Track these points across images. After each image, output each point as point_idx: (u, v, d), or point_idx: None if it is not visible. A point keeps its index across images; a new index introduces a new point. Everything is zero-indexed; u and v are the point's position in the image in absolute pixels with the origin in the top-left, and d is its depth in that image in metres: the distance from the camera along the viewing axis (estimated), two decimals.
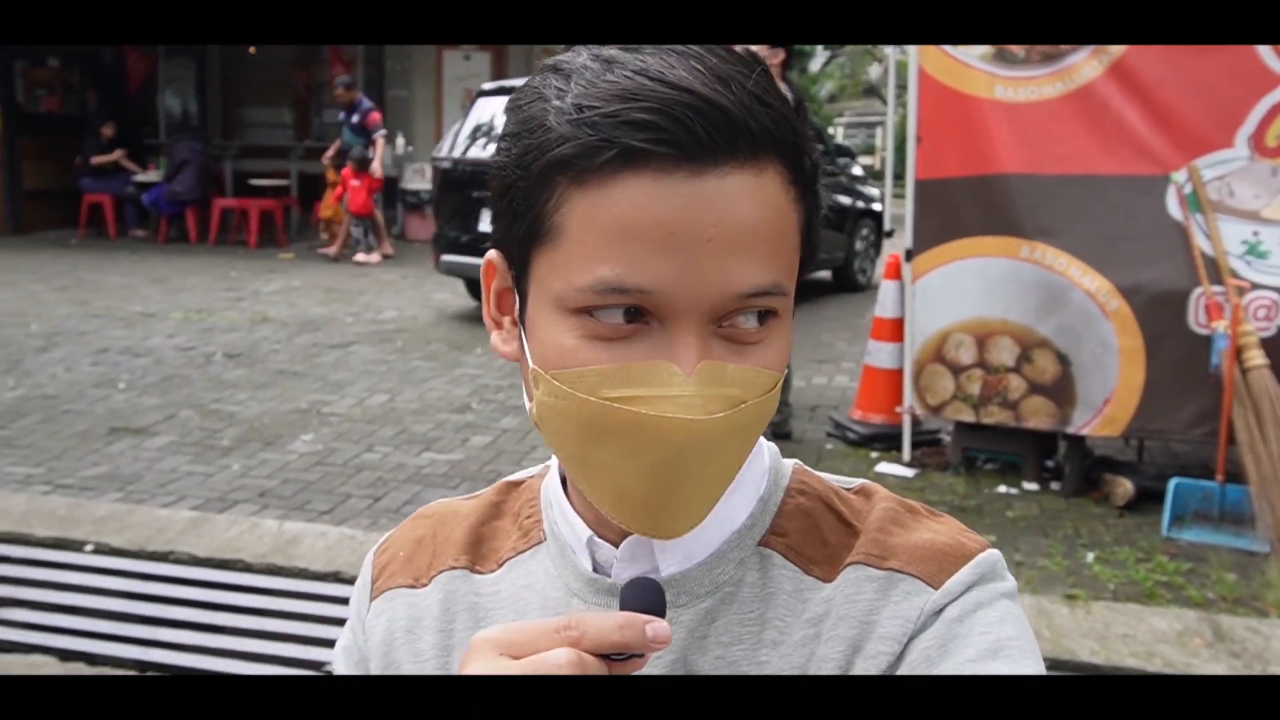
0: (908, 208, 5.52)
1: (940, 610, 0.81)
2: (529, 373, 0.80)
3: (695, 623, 0.85)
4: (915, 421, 5.72)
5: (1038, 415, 5.25)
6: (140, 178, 14.22)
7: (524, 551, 0.93)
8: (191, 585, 4.17)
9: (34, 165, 14.18)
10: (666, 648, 0.72)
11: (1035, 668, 0.79)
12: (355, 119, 12.78)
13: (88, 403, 6.47)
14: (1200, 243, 4.97)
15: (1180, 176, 5.02)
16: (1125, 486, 5.09)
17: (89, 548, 4.47)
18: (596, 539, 0.87)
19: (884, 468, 5.59)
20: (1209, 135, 5.02)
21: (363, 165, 12.53)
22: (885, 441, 5.90)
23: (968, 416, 5.42)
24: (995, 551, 0.85)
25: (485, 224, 7.88)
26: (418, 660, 0.91)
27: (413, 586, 0.95)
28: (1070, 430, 5.21)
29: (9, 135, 13.93)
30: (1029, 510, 5.03)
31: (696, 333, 0.75)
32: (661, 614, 0.72)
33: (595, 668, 0.67)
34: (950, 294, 5.38)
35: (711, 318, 0.75)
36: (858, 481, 0.93)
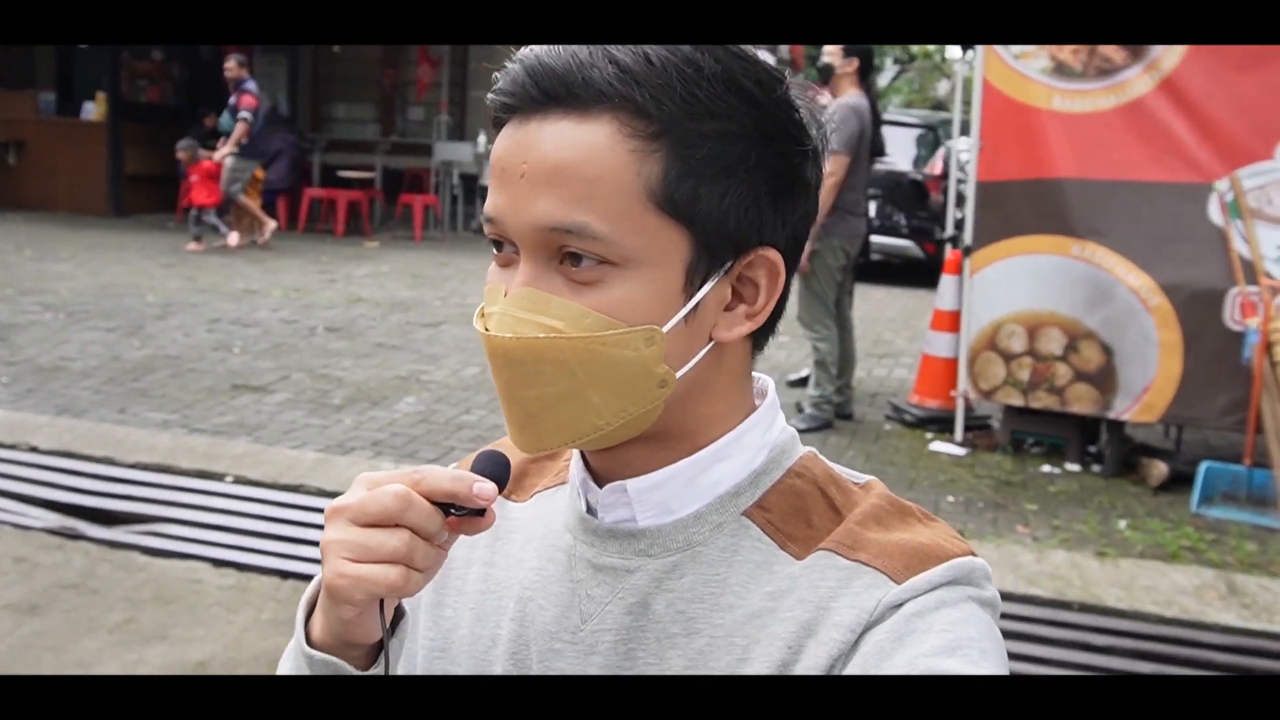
0: (968, 208, 6.00)
1: (900, 605, 0.81)
2: None
3: (662, 573, 0.89)
4: (968, 406, 6.19)
5: (1082, 401, 5.70)
6: None
7: (551, 488, 1.01)
8: (320, 513, 4.72)
9: (135, 151, 14.94)
10: (490, 524, 0.82)
11: (995, 671, 0.78)
12: (232, 100, 12.43)
13: (209, 363, 7.10)
14: (1238, 246, 5.41)
15: (1222, 185, 5.46)
16: (1160, 468, 5.53)
17: (229, 479, 5.08)
18: (589, 481, 0.93)
19: (937, 446, 6.06)
20: (1250, 147, 5.46)
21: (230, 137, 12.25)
22: (939, 424, 6.37)
23: (1017, 401, 5.88)
24: (978, 560, 0.85)
25: None
26: (446, 566, 0.91)
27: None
28: (1111, 415, 5.66)
29: (113, 123, 14.70)
30: (1070, 487, 5.49)
31: (530, 263, 0.83)
32: (501, 484, 0.82)
33: (426, 510, 0.78)
34: (1005, 287, 5.85)
35: (545, 252, 0.83)
36: (866, 478, 0.94)
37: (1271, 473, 5.13)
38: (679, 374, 0.85)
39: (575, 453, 0.95)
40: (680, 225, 0.82)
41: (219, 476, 5.10)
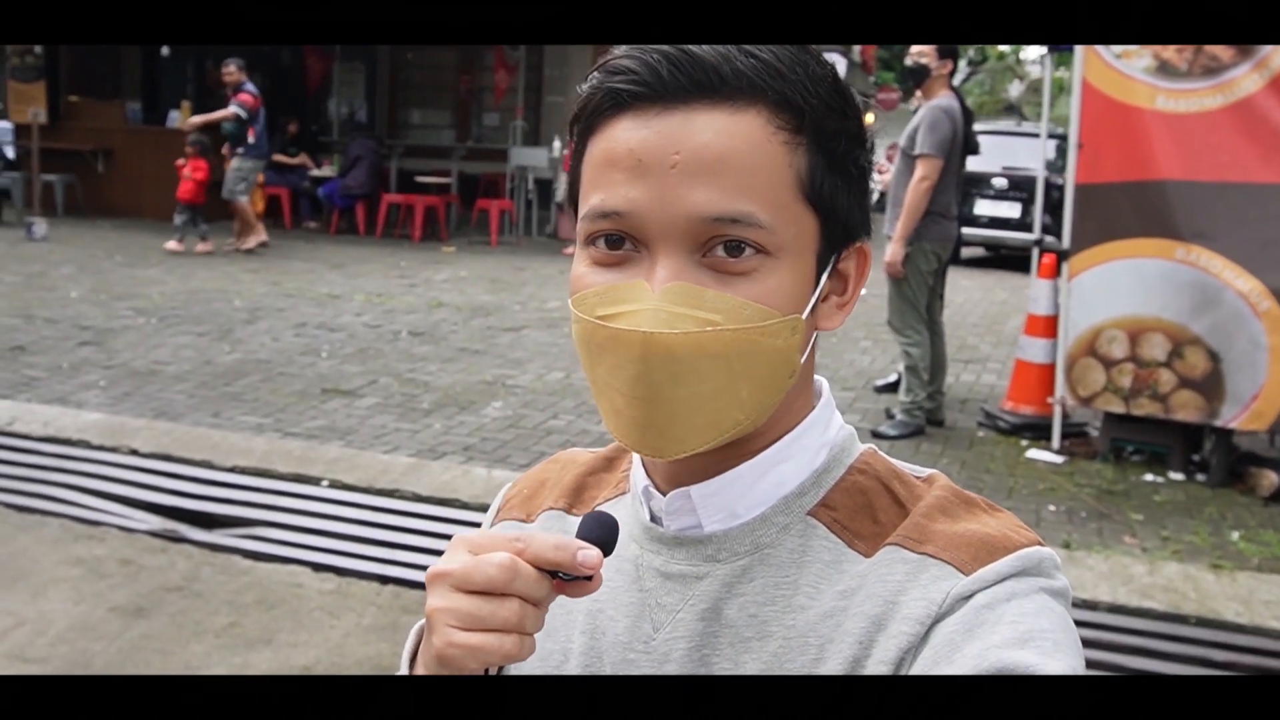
0: (1066, 210, 5.87)
1: (969, 596, 0.80)
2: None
3: (732, 577, 0.88)
4: (1064, 413, 6.06)
5: (1187, 408, 5.55)
6: (316, 173, 15.16)
7: (612, 499, 1.00)
8: (416, 518, 4.76)
9: (218, 158, 15.18)
10: (597, 587, 0.79)
11: (1069, 664, 0.76)
12: (232, 105, 12.34)
13: (298, 367, 7.17)
14: None
15: None
16: (1271, 478, 5.37)
17: (324, 483, 5.11)
18: (652, 489, 0.93)
19: (1034, 454, 5.94)
20: None
21: (236, 141, 12.22)
22: (1034, 431, 6.23)
23: (1118, 408, 5.74)
24: (1045, 549, 0.84)
25: None
26: None
27: (523, 520, 1.04)
28: (1219, 423, 5.50)
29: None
30: (1175, 496, 5.35)
31: (673, 256, 0.81)
32: (607, 548, 0.80)
33: (532, 576, 0.76)
34: (1105, 292, 5.71)
35: (689, 244, 0.82)
36: (927, 471, 0.94)
37: None
38: (801, 362, 0.87)
39: (635, 461, 0.95)
40: (818, 217, 0.85)
41: (315, 480, 5.13)
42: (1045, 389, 6.29)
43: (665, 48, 0.81)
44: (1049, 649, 0.76)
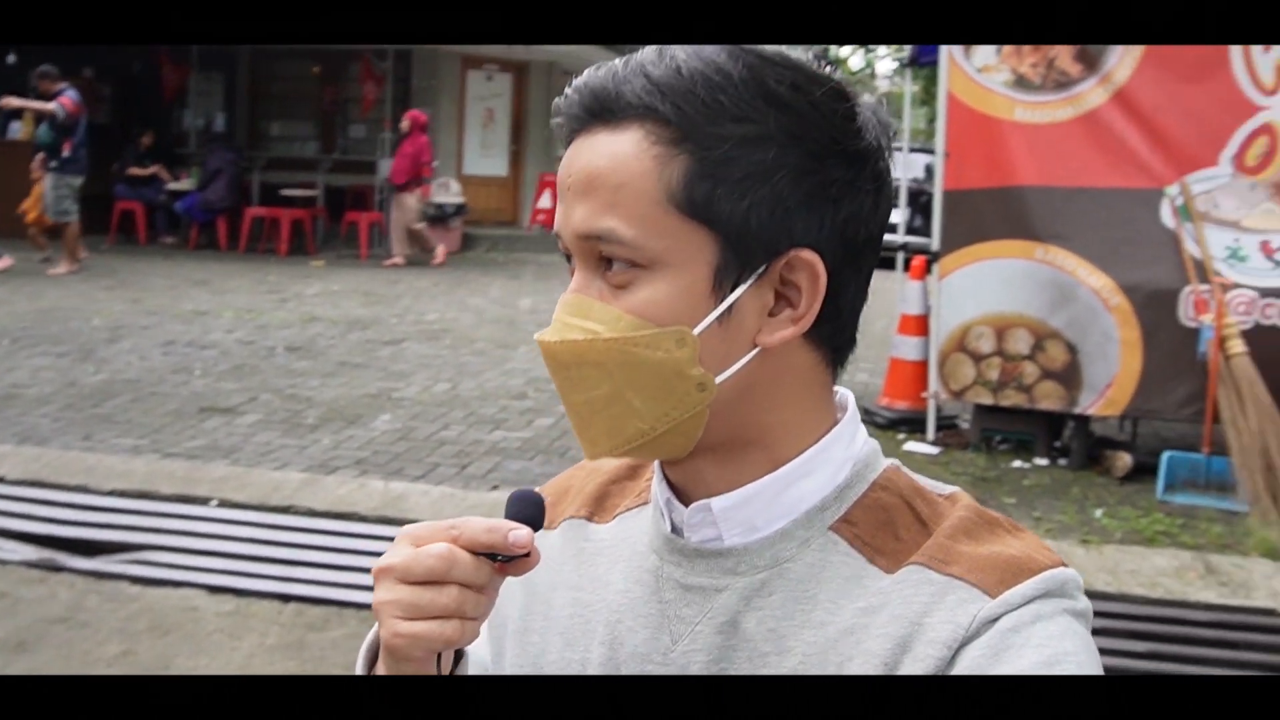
0: (935, 215, 6.15)
1: (995, 619, 0.80)
2: None
3: (750, 591, 0.89)
4: (936, 407, 6.34)
5: (1049, 398, 5.87)
6: (172, 186, 14.77)
7: (634, 508, 1.01)
8: (314, 534, 4.73)
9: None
10: (536, 562, 0.83)
11: None
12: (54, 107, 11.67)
13: (170, 386, 7.02)
14: (1189, 248, 5.62)
15: (1173, 190, 5.69)
16: (1125, 459, 5.73)
17: (213, 502, 5.03)
18: (674, 500, 0.93)
19: (911, 446, 6.19)
20: (1197, 155, 5.71)
21: (50, 153, 11.52)
22: (910, 425, 6.51)
23: (987, 399, 6.04)
24: (1069, 570, 0.85)
25: None
26: (530, 591, 1.01)
27: (546, 529, 1.00)
28: (1077, 411, 5.84)
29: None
30: (1042, 480, 5.66)
31: (582, 271, 0.87)
32: (535, 525, 0.83)
33: (469, 562, 0.80)
34: (972, 291, 6.01)
35: (587, 259, 0.87)
36: (950, 489, 0.93)
37: (1229, 459, 5.34)
38: (719, 379, 0.85)
39: (657, 472, 0.95)
40: (703, 227, 0.83)
41: (203, 500, 5.05)
42: (919, 384, 6.56)
43: (582, 79, 0.87)
44: (1073, 671, 0.77)
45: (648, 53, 0.85)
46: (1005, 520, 0.89)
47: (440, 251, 13.62)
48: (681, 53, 0.84)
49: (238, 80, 16.55)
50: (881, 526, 0.89)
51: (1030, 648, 0.78)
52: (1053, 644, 0.78)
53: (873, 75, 35.53)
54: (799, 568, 0.88)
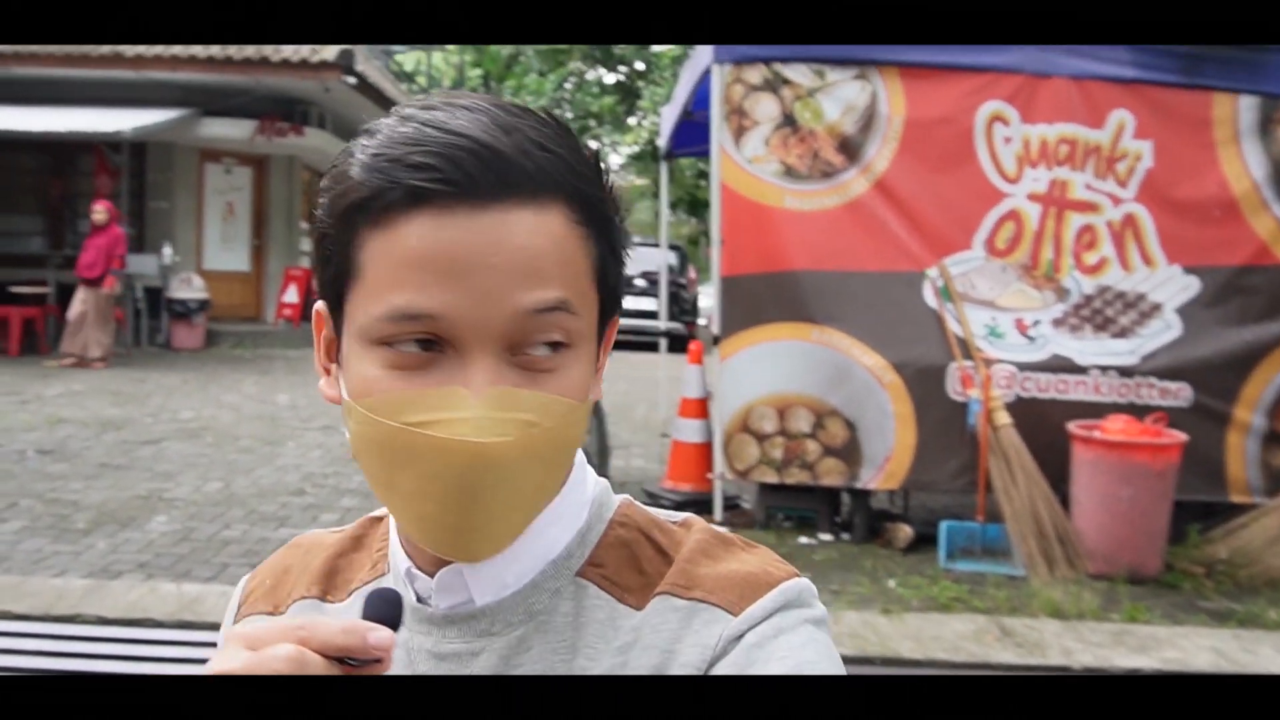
0: (714, 300, 6.40)
1: (740, 636, 0.82)
2: (344, 405, 0.85)
3: (509, 650, 0.87)
4: (720, 487, 6.53)
5: (832, 474, 6.16)
6: None
7: (370, 582, 0.96)
8: (105, 642, 4.40)
9: None
10: (389, 667, 0.72)
11: None
12: None
13: None
14: (952, 326, 6.07)
15: (933, 272, 6.13)
16: (906, 531, 6.04)
17: None
18: (414, 570, 0.90)
19: None
20: (953, 239, 6.19)
21: None
22: (696, 506, 6.64)
23: (772, 478, 6.27)
24: (803, 580, 0.87)
25: None
26: None
27: (270, 614, 0.98)
28: (859, 485, 6.15)
29: None
30: (830, 555, 5.89)
31: (488, 358, 0.79)
32: (395, 625, 0.75)
33: (320, 666, 0.69)
34: (753, 372, 6.25)
35: (504, 344, 0.80)
36: (682, 515, 0.95)
37: (1003, 526, 5.73)
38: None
39: (393, 541, 0.93)
40: (600, 299, 0.86)
41: None
42: (703, 466, 6.76)
43: (464, 142, 0.78)
44: None
45: (514, 124, 0.80)
46: (738, 538, 0.92)
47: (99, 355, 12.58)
48: (541, 127, 0.82)
49: None
50: (625, 564, 0.90)
51: (774, 661, 0.81)
52: (794, 654, 0.81)
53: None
54: (554, 619, 0.88)
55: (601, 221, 0.84)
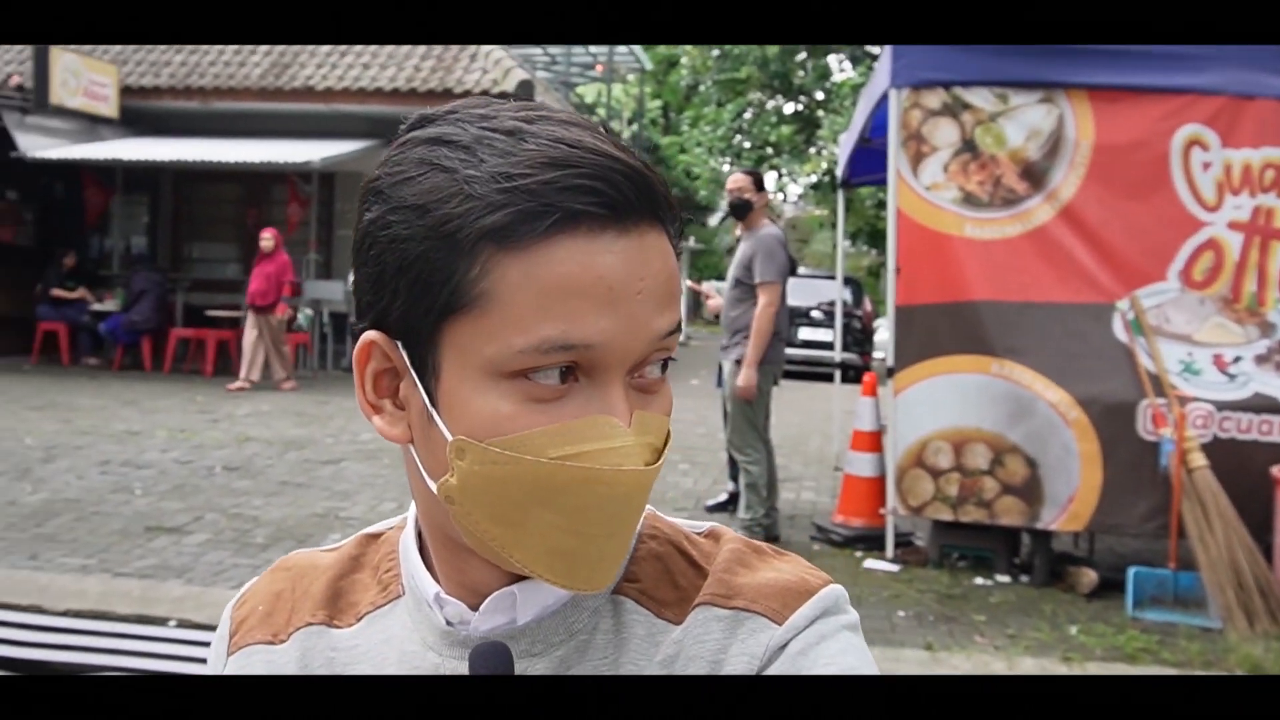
0: (889, 331, 6.25)
1: (784, 645, 0.83)
2: (446, 446, 0.79)
3: (551, 670, 0.86)
4: (893, 523, 6.35)
5: (1010, 513, 5.93)
6: (96, 307, 14.49)
7: (382, 606, 0.92)
8: None
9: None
10: None
11: None
12: None
13: (113, 505, 6.78)
14: (1144, 361, 5.78)
15: (1124, 305, 5.86)
16: (1090, 576, 5.76)
17: (172, 623, 4.83)
18: (443, 595, 0.87)
19: (871, 564, 6.18)
20: (1146, 270, 5.90)
21: None
22: (867, 542, 6.51)
23: (946, 515, 6.07)
24: (838, 587, 0.88)
25: None
26: None
27: (270, 643, 0.94)
28: (1040, 526, 5.89)
29: None
30: (1008, 597, 5.66)
31: (624, 385, 0.78)
32: (510, 674, 0.78)
33: None
34: (929, 406, 6.08)
35: (629, 368, 0.79)
36: (707, 525, 0.94)
37: (1197, 575, 5.40)
38: None
39: (410, 563, 0.90)
40: None
41: (161, 621, 4.85)
42: (875, 501, 6.60)
43: (613, 163, 0.76)
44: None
45: (610, 139, 0.79)
46: (769, 546, 0.91)
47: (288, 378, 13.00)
48: (633, 152, 0.81)
49: (161, 203, 16.41)
50: (660, 577, 0.89)
51: (819, 667, 0.82)
52: (837, 661, 0.82)
53: (784, 199, 36.43)
54: (595, 638, 0.86)
55: (676, 248, 0.84)
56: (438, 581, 0.88)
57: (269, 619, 0.95)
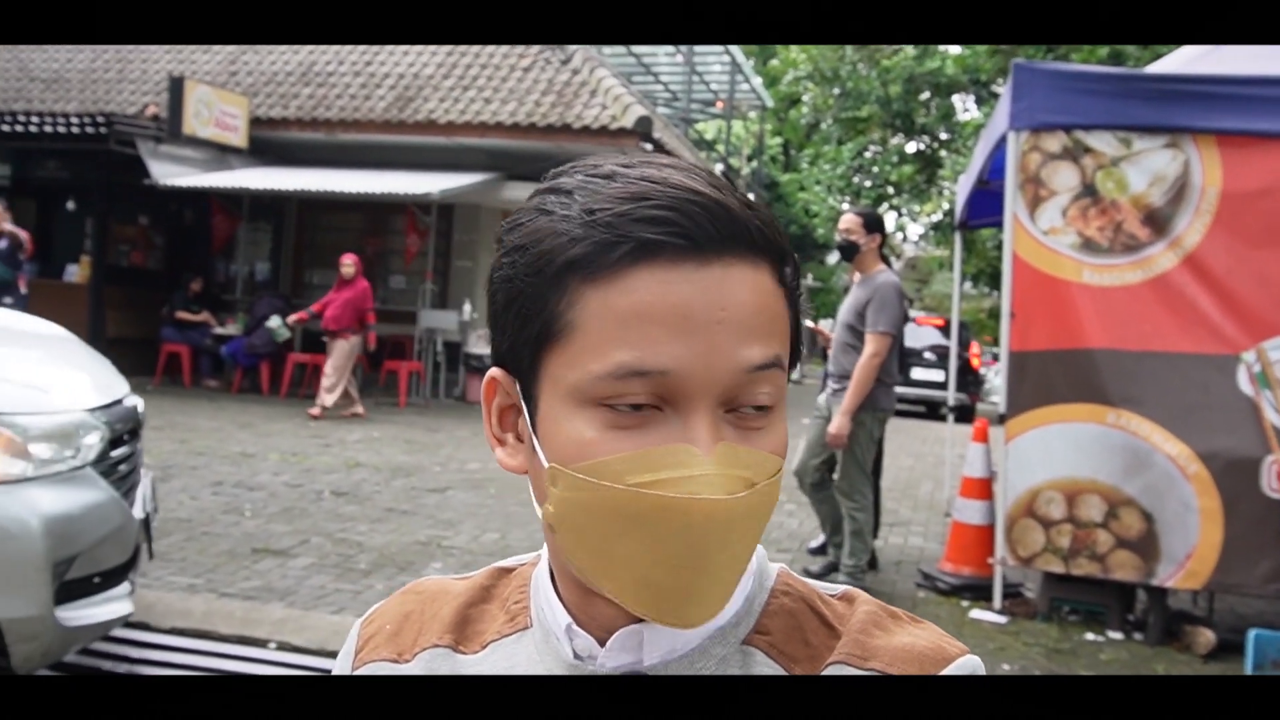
0: (1002, 377, 6.10)
1: None
2: (544, 473, 0.82)
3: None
4: (1002, 574, 6.17)
5: (1124, 568, 5.71)
6: (219, 330, 14.96)
7: (508, 635, 0.94)
8: None
9: (116, 314, 14.92)
10: None
11: None
12: (3, 244, 11.78)
13: (222, 526, 6.94)
14: (1270, 416, 5.53)
15: (1250, 356, 5.62)
16: (1208, 636, 5.52)
17: (272, 645, 4.90)
18: (575, 627, 0.88)
19: (977, 614, 6.01)
20: (1274, 321, 5.65)
21: (3, 290, 11.43)
22: (974, 591, 6.33)
23: (1058, 567, 5.88)
24: (974, 657, 0.87)
25: None
26: None
27: (395, 661, 0.96)
28: (1155, 582, 5.67)
29: (96, 285, 14.69)
30: (1119, 655, 5.45)
31: (710, 415, 0.78)
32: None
33: None
34: (1041, 454, 5.90)
35: (722, 401, 0.79)
36: (841, 588, 0.94)
37: None
38: None
39: (542, 595, 0.92)
40: (789, 361, 0.85)
41: (261, 643, 4.93)
42: (983, 549, 6.42)
43: (693, 196, 0.78)
44: None
45: (724, 183, 0.82)
46: (904, 612, 0.91)
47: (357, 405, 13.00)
48: (730, 187, 0.82)
49: (284, 230, 16.89)
50: (792, 633, 0.89)
51: None
52: None
53: (904, 239, 35.96)
54: None
55: (796, 285, 0.85)
56: (570, 614, 0.89)
57: (395, 638, 0.98)
